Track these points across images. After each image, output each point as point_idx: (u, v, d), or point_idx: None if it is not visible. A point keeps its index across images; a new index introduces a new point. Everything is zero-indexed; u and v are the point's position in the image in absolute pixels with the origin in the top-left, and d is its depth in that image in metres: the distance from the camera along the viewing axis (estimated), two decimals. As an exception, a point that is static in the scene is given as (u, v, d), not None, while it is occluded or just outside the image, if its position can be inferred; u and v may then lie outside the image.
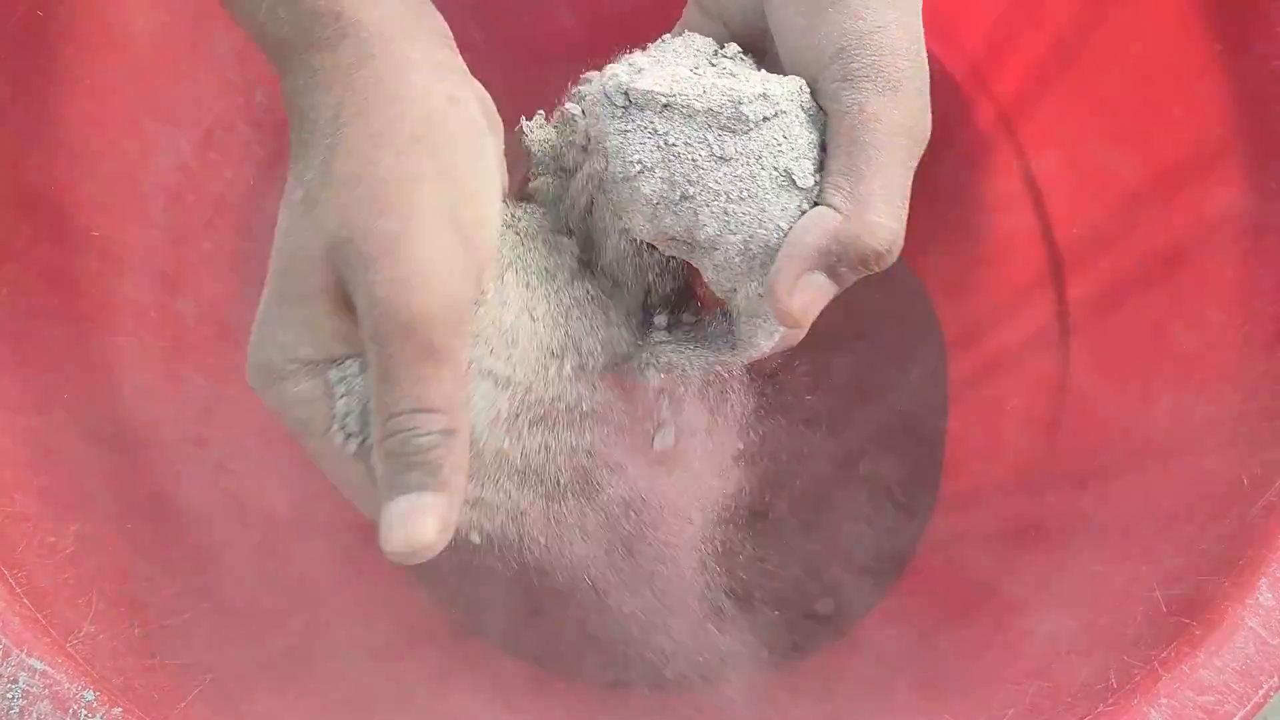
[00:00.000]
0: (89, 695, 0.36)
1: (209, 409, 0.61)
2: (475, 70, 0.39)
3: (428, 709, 0.56)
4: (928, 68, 0.35)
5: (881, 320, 0.81)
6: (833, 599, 0.76)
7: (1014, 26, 0.62)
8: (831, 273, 0.34)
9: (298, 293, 0.34)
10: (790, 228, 0.35)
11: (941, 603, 0.68)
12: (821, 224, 0.34)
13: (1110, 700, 0.38)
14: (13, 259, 0.48)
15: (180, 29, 0.58)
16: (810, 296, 0.34)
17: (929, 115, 0.35)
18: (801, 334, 0.39)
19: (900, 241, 0.34)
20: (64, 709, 0.35)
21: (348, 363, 0.35)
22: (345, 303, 0.34)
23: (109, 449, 0.50)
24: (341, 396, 0.36)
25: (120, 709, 0.36)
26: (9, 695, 0.35)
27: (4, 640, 0.36)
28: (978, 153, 0.70)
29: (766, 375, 0.81)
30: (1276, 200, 0.47)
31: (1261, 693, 0.36)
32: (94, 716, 0.35)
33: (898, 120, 0.34)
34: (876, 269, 0.34)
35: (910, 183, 0.35)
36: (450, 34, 0.38)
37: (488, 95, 0.39)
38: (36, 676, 0.36)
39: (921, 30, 0.35)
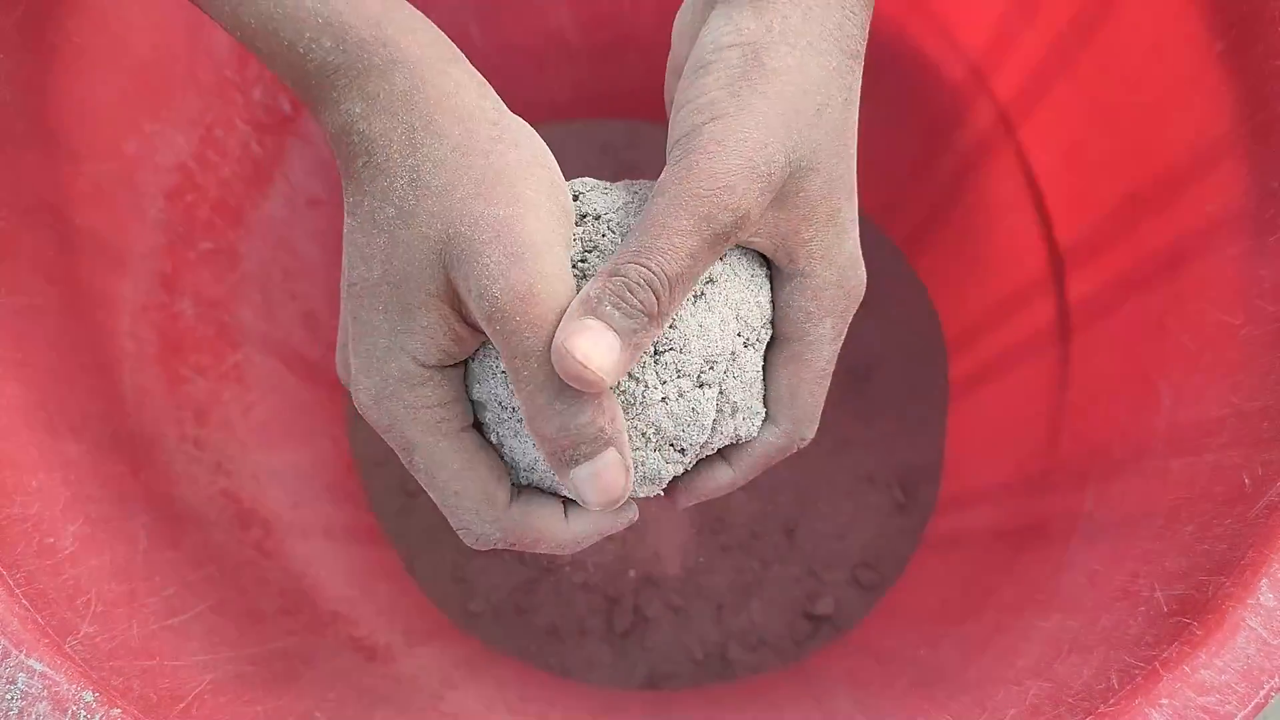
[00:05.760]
0: (88, 696, 0.35)
1: (208, 410, 0.61)
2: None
3: (427, 709, 0.56)
4: (776, 159, 0.35)
5: (882, 320, 0.81)
6: (833, 599, 0.76)
7: (1014, 26, 0.62)
8: (599, 313, 0.34)
9: (417, 302, 0.36)
10: None
11: (942, 602, 0.68)
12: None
13: (1111, 700, 0.38)
14: (11, 259, 0.48)
15: (178, 28, 0.58)
16: (585, 340, 0.33)
17: (732, 195, 0.34)
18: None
19: (657, 283, 0.34)
20: (63, 710, 0.35)
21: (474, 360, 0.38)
22: (461, 305, 0.36)
23: (108, 450, 0.50)
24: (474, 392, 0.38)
25: (119, 710, 0.36)
26: (8, 696, 0.35)
27: (3, 641, 0.36)
28: (978, 153, 0.70)
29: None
30: (1277, 199, 0.47)
31: (1263, 693, 0.36)
32: (93, 718, 0.35)
33: (679, 190, 0.34)
34: (636, 302, 0.34)
35: (687, 245, 0.34)
36: None
37: None
38: (35, 677, 0.35)
39: (778, 126, 0.35)
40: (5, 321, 0.47)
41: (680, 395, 0.38)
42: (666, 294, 0.35)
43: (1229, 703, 0.36)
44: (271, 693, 0.47)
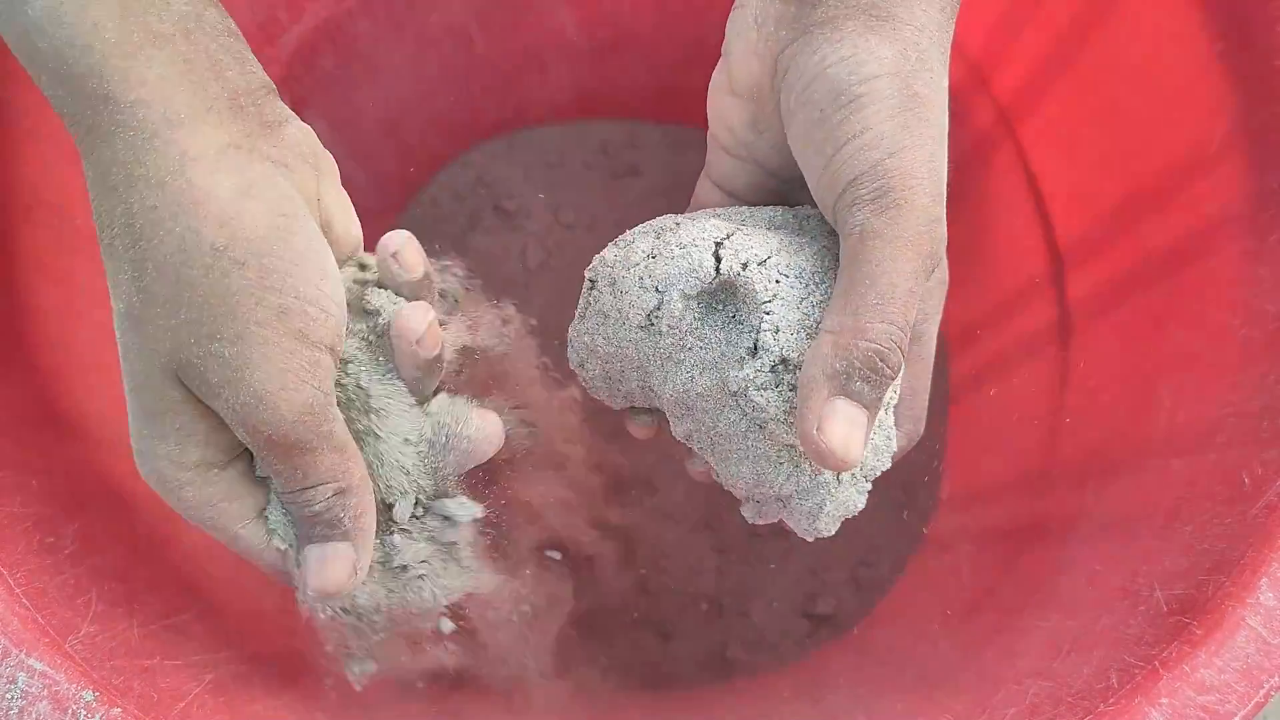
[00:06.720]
0: (88, 695, 0.35)
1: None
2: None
3: (427, 709, 0.55)
4: (943, 179, 0.35)
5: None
6: (833, 598, 0.76)
7: (1014, 26, 0.62)
8: (848, 392, 0.33)
9: (161, 408, 0.34)
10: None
11: (941, 602, 0.68)
12: (820, 349, 0.34)
13: (1111, 700, 0.38)
14: (12, 257, 0.47)
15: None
16: (843, 427, 0.33)
17: (941, 226, 0.34)
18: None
19: (903, 339, 0.33)
20: (63, 709, 0.35)
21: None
22: (209, 408, 0.35)
23: (108, 449, 0.50)
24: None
25: (119, 709, 0.36)
26: (8, 695, 0.35)
27: (3, 640, 0.36)
28: (978, 153, 0.70)
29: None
30: (1277, 199, 0.47)
31: (1262, 692, 0.36)
32: (93, 717, 0.35)
33: (899, 233, 0.34)
34: (889, 372, 0.33)
35: (917, 288, 0.34)
36: (254, 81, 0.36)
37: (302, 133, 0.38)
38: (36, 677, 0.35)
39: (940, 148, 0.35)
40: (5, 321, 0.47)
41: (879, 427, 0.37)
42: (907, 344, 0.34)
43: (1229, 702, 0.36)
44: (271, 693, 0.47)
